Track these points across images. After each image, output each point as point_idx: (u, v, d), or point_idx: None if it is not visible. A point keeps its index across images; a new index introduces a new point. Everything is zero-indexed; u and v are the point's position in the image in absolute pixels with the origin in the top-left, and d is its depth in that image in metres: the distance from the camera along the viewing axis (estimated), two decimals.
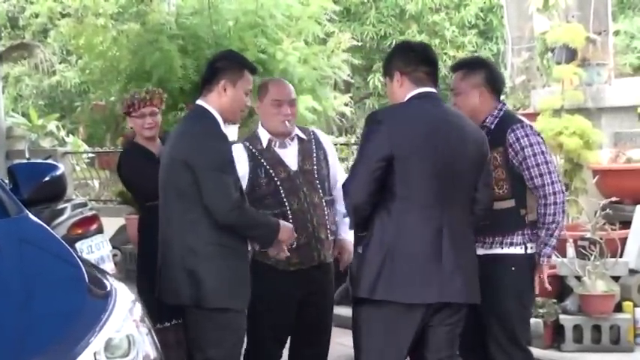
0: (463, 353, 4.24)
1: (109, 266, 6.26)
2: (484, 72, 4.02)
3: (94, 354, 2.79)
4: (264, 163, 4.18)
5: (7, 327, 2.78)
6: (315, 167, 4.28)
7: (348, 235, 4.22)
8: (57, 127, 14.54)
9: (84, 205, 7.04)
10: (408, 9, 15.43)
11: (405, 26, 15.66)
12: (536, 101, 7.39)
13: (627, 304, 5.76)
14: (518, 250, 3.95)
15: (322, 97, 8.36)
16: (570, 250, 5.85)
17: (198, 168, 3.66)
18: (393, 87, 3.70)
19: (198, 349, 3.82)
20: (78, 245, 6.31)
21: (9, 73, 18.63)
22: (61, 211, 6.56)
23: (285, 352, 4.46)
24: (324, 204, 4.27)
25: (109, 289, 3.14)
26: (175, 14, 8.70)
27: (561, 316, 5.69)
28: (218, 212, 3.66)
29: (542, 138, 4.02)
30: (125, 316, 3.01)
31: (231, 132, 7.10)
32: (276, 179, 4.17)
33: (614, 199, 6.04)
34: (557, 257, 5.84)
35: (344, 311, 4.72)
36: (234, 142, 4.19)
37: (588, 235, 5.81)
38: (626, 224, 6.16)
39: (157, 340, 3.15)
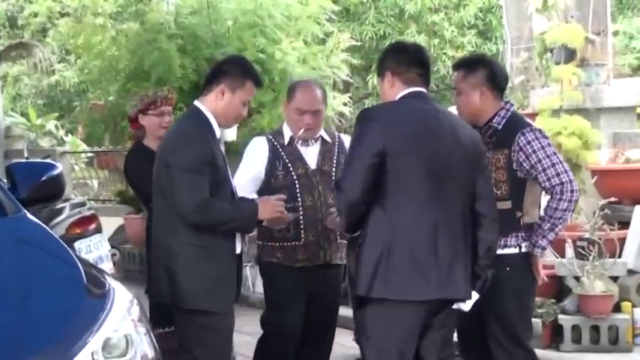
0: (465, 354, 4.25)
1: (107, 266, 6.27)
2: (485, 71, 4.00)
3: (92, 354, 2.78)
4: (284, 157, 4.26)
5: (4, 326, 2.77)
6: (334, 169, 4.33)
7: None
8: (56, 126, 14.53)
9: (82, 204, 7.05)
10: (407, 9, 15.40)
11: (404, 26, 15.64)
12: (535, 101, 7.39)
13: (626, 305, 5.76)
14: (513, 250, 3.96)
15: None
16: (569, 251, 5.85)
17: (172, 167, 3.68)
18: (384, 87, 3.71)
19: (185, 349, 3.83)
20: (76, 245, 6.32)
21: (8, 72, 18.62)
22: (60, 211, 6.57)
23: None
24: None
25: (106, 288, 3.13)
26: (174, 14, 8.70)
27: (560, 317, 5.69)
28: (182, 212, 3.67)
29: (550, 140, 4.01)
30: (123, 316, 3.00)
31: (231, 131, 7.12)
32: (293, 174, 4.24)
33: (612, 199, 6.04)
34: (556, 257, 5.85)
35: (343, 311, 4.71)
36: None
37: (587, 235, 5.80)
38: (625, 224, 6.16)
39: (155, 340, 3.14)
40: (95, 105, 9.45)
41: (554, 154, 3.92)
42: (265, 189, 4.21)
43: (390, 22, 15.61)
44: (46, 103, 19.07)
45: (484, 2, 15.68)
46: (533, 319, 4.91)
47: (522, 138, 3.90)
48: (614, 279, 5.78)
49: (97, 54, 8.68)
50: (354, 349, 3.77)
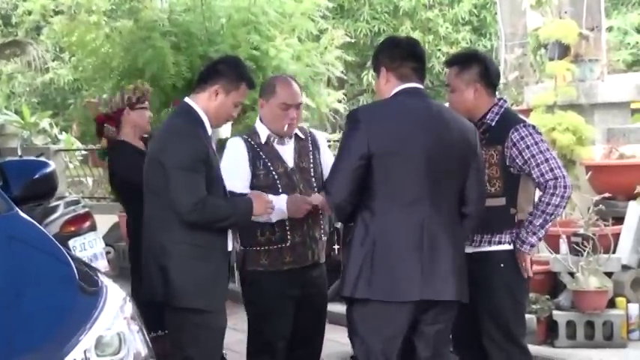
0: (459, 351, 4.25)
1: (102, 264, 6.25)
2: (478, 67, 3.98)
3: (85, 352, 2.78)
4: (263, 157, 4.16)
5: None
6: (312, 166, 4.28)
7: None
8: (50, 124, 14.52)
9: (77, 202, 7.03)
10: (401, 5, 15.42)
11: (398, 23, 15.66)
12: (529, 97, 7.39)
13: (620, 300, 5.76)
14: (507, 247, 3.94)
15: (315, 93, 8.35)
16: (563, 246, 5.86)
17: (168, 166, 3.65)
18: (379, 83, 3.69)
19: (177, 348, 3.82)
20: (71, 243, 6.30)
21: (2, 70, 18.61)
22: (54, 209, 6.55)
23: None
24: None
25: (99, 286, 3.13)
26: (168, 11, 8.67)
27: (554, 312, 5.69)
28: (180, 210, 3.65)
29: (543, 136, 4.00)
30: (116, 314, 3.00)
31: (225, 128, 7.10)
32: (274, 173, 4.16)
33: (607, 195, 6.04)
34: (551, 253, 5.85)
35: (337, 308, 4.71)
36: (227, 138, 4.18)
37: (581, 231, 5.81)
38: (619, 220, 6.15)
39: (148, 338, 3.14)
40: (89, 103, 9.42)
41: (548, 149, 3.90)
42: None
43: (385, 18, 15.63)
44: (40, 101, 19.07)
45: None
46: (527, 316, 4.93)
47: (516, 134, 3.89)
48: (609, 275, 5.78)
49: (91, 51, 8.64)
50: (349, 346, 3.77)
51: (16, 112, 15.77)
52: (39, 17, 17.60)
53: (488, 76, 4.00)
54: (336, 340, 5.18)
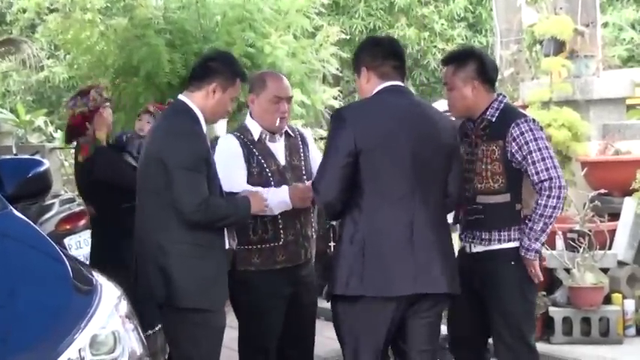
0: (454, 350, 4.25)
1: None
2: (475, 64, 3.98)
3: (79, 350, 2.78)
4: (257, 154, 4.15)
5: None
6: (303, 163, 4.27)
7: None
8: (45, 122, 14.50)
9: (72, 200, 7.03)
10: (396, 2, 15.40)
11: (394, 19, 15.63)
12: (524, 93, 7.39)
13: (616, 296, 5.76)
14: (516, 244, 3.93)
15: (311, 90, 8.35)
16: (559, 243, 5.85)
17: (170, 166, 3.64)
18: (361, 82, 3.73)
19: (176, 348, 3.81)
20: (66, 241, 6.31)
21: None
22: (49, 207, 6.55)
23: None
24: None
25: (94, 285, 3.12)
26: (163, 8, 8.65)
27: (551, 309, 5.69)
28: (184, 210, 3.64)
29: (544, 132, 4.00)
30: (111, 313, 3.00)
31: (220, 126, 7.09)
32: (267, 170, 4.14)
33: (602, 191, 6.04)
34: (547, 250, 5.85)
35: None
36: (218, 137, 4.17)
37: (577, 227, 5.80)
38: (615, 216, 6.16)
39: (143, 337, 3.13)
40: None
41: (546, 147, 3.89)
42: None
43: (380, 15, 15.60)
44: (35, 99, 19.00)
45: None
46: None
47: (516, 129, 3.88)
48: (605, 271, 5.78)
49: (86, 49, 8.63)
50: None
51: (11, 111, 15.74)
52: (34, 15, 17.53)
53: (486, 72, 4.00)
54: (331, 337, 5.15)
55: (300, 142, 4.31)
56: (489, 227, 3.92)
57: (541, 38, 7.33)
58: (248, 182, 4.09)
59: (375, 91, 3.64)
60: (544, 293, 5.75)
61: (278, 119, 4.16)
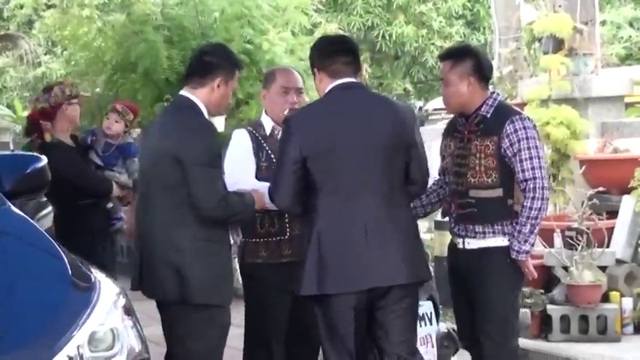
0: (467, 347, 4.29)
1: None
2: (472, 61, 4.04)
3: (78, 347, 2.77)
4: (267, 149, 4.19)
5: None
6: None
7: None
8: None
9: None
10: None
11: (392, 17, 15.64)
12: (523, 91, 7.38)
13: (614, 294, 5.76)
14: (506, 241, 3.97)
15: (309, 87, 8.33)
16: (557, 241, 5.86)
17: (188, 162, 3.63)
18: (315, 84, 3.77)
19: (179, 344, 3.78)
20: None
21: None
22: (47, 203, 6.51)
23: None
24: None
25: (92, 281, 3.11)
26: (161, 5, 8.64)
27: (549, 307, 5.69)
28: (204, 207, 3.64)
29: (537, 132, 4.04)
30: (109, 309, 2.99)
31: (218, 123, 7.08)
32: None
33: (601, 189, 6.04)
34: (545, 247, 5.85)
35: None
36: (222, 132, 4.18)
37: (575, 225, 5.80)
38: (613, 214, 6.15)
39: (142, 334, 3.12)
40: (81, 97, 9.39)
41: (536, 147, 3.94)
42: None
43: (378, 12, 15.61)
44: (32, 95, 18.96)
45: None
46: (521, 310, 4.93)
47: (511, 126, 3.94)
48: (603, 269, 5.78)
49: (84, 45, 8.62)
50: None
51: (8, 107, 15.72)
52: (31, 11, 17.51)
53: (482, 70, 4.05)
54: None
55: None
56: (482, 221, 3.97)
57: (540, 36, 7.32)
58: (257, 176, 4.13)
59: (326, 91, 3.69)
60: (542, 291, 5.76)
61: (287, 110, 4.17)
